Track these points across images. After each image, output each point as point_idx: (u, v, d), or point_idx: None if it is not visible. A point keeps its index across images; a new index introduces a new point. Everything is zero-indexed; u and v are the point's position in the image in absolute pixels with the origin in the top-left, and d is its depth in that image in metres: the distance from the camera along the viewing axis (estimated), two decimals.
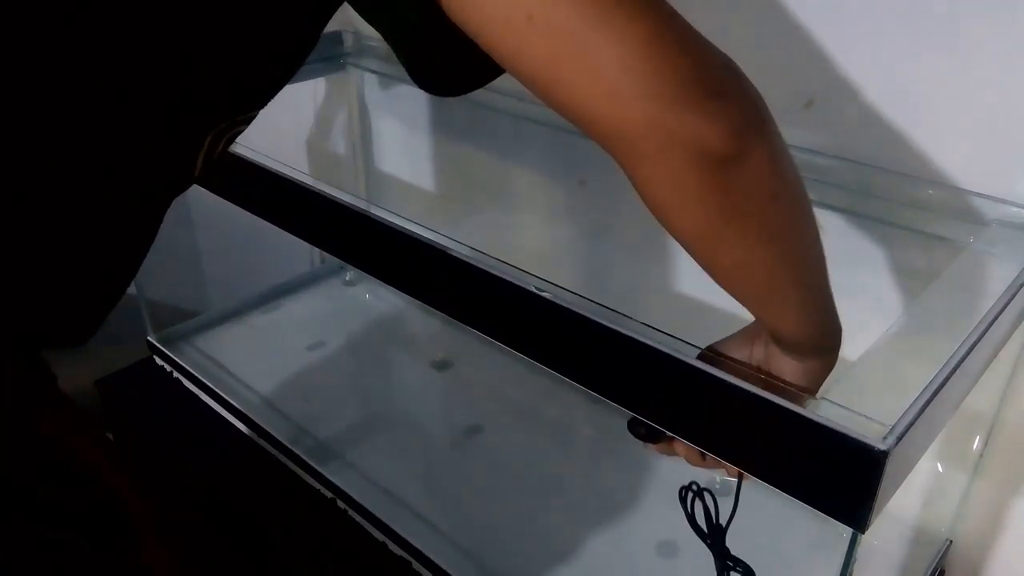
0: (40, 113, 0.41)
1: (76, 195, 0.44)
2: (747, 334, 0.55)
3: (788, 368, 0.51)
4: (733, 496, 0.59)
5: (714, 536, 0.59)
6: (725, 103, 0.40)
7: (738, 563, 0.59)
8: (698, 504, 0.59)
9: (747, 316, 0.50)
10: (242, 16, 0.43)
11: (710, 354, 0.54)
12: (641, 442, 0.58)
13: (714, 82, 0.40)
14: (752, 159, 0.40)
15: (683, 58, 0.39)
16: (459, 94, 0.52)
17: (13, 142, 0.41)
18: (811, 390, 0.51)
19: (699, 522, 0.59)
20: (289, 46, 0.47)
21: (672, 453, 0.58)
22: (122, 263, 0.51)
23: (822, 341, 0.50)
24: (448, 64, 0.49)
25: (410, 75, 0.52)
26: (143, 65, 0.41)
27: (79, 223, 0.46)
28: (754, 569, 0.59)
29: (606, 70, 0.38)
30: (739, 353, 0.54)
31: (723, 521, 0.59)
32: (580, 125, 0.40)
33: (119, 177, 0.45)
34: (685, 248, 0.45)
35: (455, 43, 0.42)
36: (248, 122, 0.50)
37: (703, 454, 0.54)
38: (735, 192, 0.41)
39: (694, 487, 0.59)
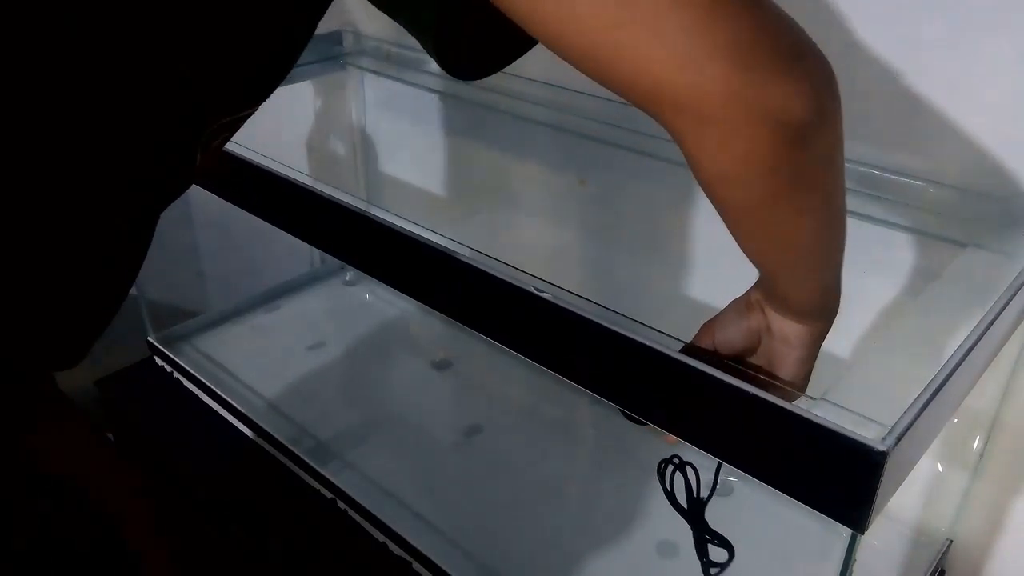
0: (29, 118, 0.40)
1: (68, 203, 0.43)
2: (739, 306, 0.54)
3: (794, 332, 0.50)
4: (730, 495, 0.59)
5: (693, 509, 0.59)
6: (806, 68, 0.37)
7: (716, 536, 0.59)
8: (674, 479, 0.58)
9: None
10: (236, 10, 0.42)
11: (706, 332, 0.53)
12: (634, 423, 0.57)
13: (793, 44, 0.37)
14: (828, 127, 0.38)
15: (759, 18, 0.36)
16: (486, 74, 0.50)
17: (4, 151, 0.40)
18: (813, 354, 0.51)
19: (677, 496, 0.59)
20: (282, 42, 0.46)
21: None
22: (119, 274, 0.49)
23: (830, 303, 0.50)
24: (475, 41, 0.47)
25: (436, 58, 0.50)
26: (137, 61, 0.40)
27: (73, 233, 0.44)
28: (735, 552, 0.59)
29: (676, 34, 0.34)
30: (738, 325, 0.53)
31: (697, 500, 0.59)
32: (637, 96, 0.37)
33: (112, 179, 0.44)
34: (731, 217, 0.43)
35: (482, 16, 0.39)
36: (242, 120, 0.49)
37: None
38: (807, 162, 0.39)
39: (675, 460, 0.58)
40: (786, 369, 0.52)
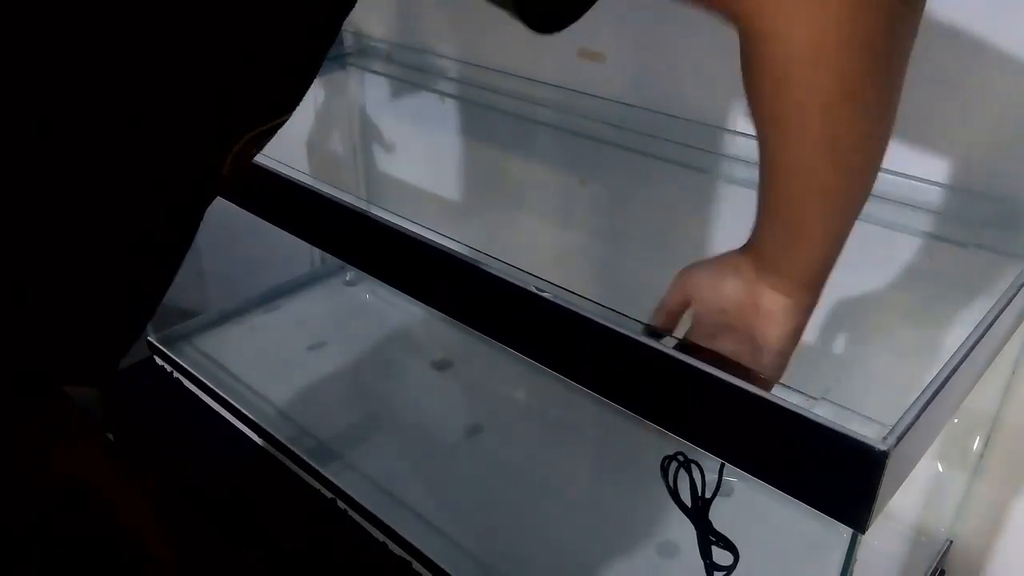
0: (65, 122, 0.39)
1: (98, 213, 0.42)
2: (722, 268, 0.51)
3: (781, 307, 0.48)
4: (730, 495, 0.58)
5: (697, 510, 0.58)
6: None
7: (721, 538, 0.58)
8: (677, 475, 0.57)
9: None
10: (268, 23, 0.42)
11: (679, 288, 0.53)
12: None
13: None
14: (916, 10, 0.37)
15: None
16: (567, 24, 0.49)
17: (37, 157, 0.39)
18: (796, 336, 0.49)
19: (680, 495, 0.57)
20: (311, 50, 0.46)
21: None
22: (147, 283, 0.49)
23: (823, 277, 0.48)
24: None
25: (515, 9, 0.49)
26: (169, 76, 0.40)
27: (101, 242, 0.43)
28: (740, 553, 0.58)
29: None
30: (719, 290, 0.51)
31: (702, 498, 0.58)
32: None
33: (147, 187, 0.43)
34: (794, 118, 0.40)
35: None
36: (275, 131, 0.48)
37: None
38: (900, 37, 0.37)
39: (680, 457, 0.57)
40: (768, 347, 0.49)
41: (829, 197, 0.45)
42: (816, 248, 0.47)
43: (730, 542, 0.58)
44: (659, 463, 0.57)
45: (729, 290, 0.51)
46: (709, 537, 0.58)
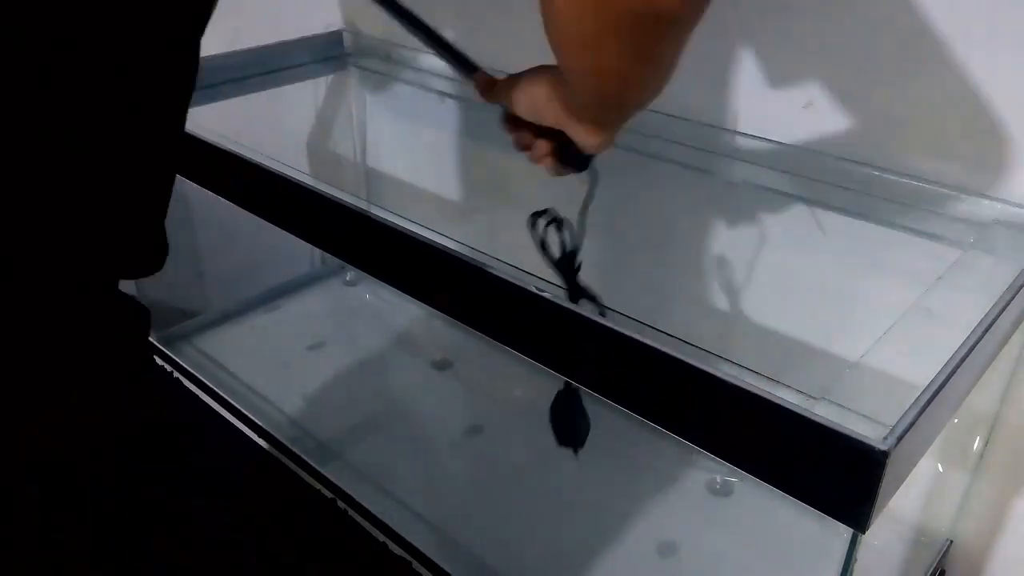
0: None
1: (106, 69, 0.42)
2: (543, 80, 0.57)
3: (580, 121, 0.55)
4: (730, 495, 0.59)
5: (565, 262, 0.63)
6: None
7: (586, 293, 0.63)
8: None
9: (752, 318, 0.50)
10: None
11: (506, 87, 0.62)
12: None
13: None
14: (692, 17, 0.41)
15: None
16: None
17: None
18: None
19: (546, 248, 0.63)
20: None
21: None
22: (168, 128, 0.49)
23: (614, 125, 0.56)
24: None
25: None
26: None
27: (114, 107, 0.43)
28: None
29: None
30: (538, 99, 0.58)
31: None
32: None
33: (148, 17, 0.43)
34: (558, 46, 0.45)
35: None
36: None
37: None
38: (652, 15, 0.41)
39: (550, 213, 0.62)
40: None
41: (593, 96, 0.52)
42: (601, 113, 0.55)
43: (594, 295, 0.63)
44: (658, 463, 0.58)
45: (540, 103, 0.59)
46: (573, 289, 0.63)
